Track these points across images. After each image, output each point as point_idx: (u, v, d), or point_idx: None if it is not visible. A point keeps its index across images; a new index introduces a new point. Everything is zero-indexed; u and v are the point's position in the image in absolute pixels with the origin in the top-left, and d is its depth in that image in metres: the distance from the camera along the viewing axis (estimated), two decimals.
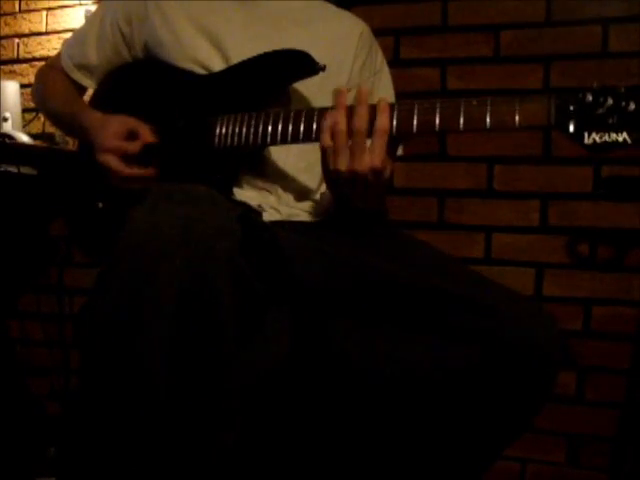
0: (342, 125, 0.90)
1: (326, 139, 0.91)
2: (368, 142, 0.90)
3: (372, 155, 0.89)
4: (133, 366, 0.71)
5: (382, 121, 0.89)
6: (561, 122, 0.85)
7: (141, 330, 0.71)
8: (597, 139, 0.83)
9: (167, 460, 0.72)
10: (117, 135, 1.06)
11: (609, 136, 0.82)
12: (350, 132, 0.89)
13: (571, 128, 0.84)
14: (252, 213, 1.02)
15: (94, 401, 0.75)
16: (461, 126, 0.88)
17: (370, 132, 0.89)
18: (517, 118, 0.86)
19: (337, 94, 0.92)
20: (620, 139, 0.82)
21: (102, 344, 0.74)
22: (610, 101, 0.82)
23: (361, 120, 0.89)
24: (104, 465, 0.74)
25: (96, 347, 0.75)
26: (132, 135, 1.06)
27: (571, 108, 0.84)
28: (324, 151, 0.92)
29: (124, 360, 0.72)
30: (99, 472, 0.75)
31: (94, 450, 0.75)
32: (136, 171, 1.06)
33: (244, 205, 1.04)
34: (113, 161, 1.05)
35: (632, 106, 0.81)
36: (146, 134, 1.06)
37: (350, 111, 0.90)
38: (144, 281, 0.70)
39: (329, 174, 0.93)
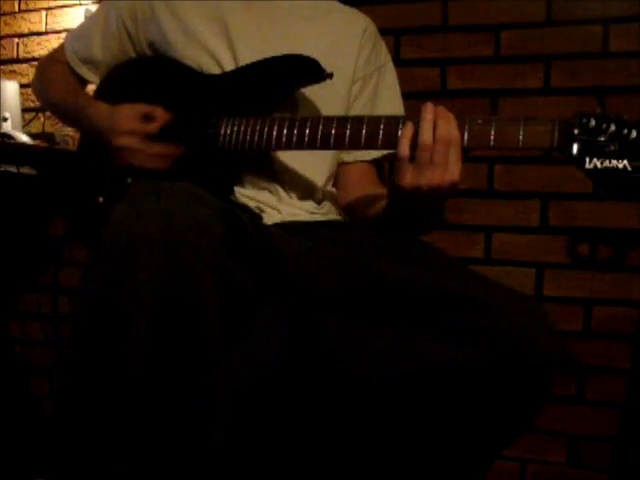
0: (429, 139, 0.88)
1: (404, 148, 0.89)
2: None
3: (450, 168, 0.88)
4: (115, 365, 0.71)
5: (454, 132, 0.88)
6: (563, 146, 0.86)
7: (121, 327, 0.70)
8: (598, 165, 0.84)
9: (152, 459, 0.72)
10: (133, 117, 1.05)
11: (610, 162, 0.84)
12: (433, 145, 0.87)
13: (573, 153, 0.86)
14: (248, 214, 1.01)
15: (79, 401, 0.75)
16: (466, 143, 0.90)
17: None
18: (521, 139, 0.87)
19: (425, 108, 0.90)
20: (620, 166, 0.83)
21: (85, 342, 0.74)
22: (612, 128, 0.84)
23: (445, 129, 0.87)
24: (91, 464, 0.74)
25: (79, 345, 0.74)
26: (147, 118, 1.05)
27: (574, 132, 0.86)
28: (401, 163, 0.90)
29: (106, 358, 0.72)
30: (91, 471, 0.75)
31: (81, 449, 0.75)
32: (162, 149, 1.04)
33: (242, 208, 1.04)
34: (134, 142, 1.04)
35: (634, 134, 0.83)
36: (162, 114, 1.05)
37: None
38: (123, 278, 0.70)
39: (405, 188, 0.89)
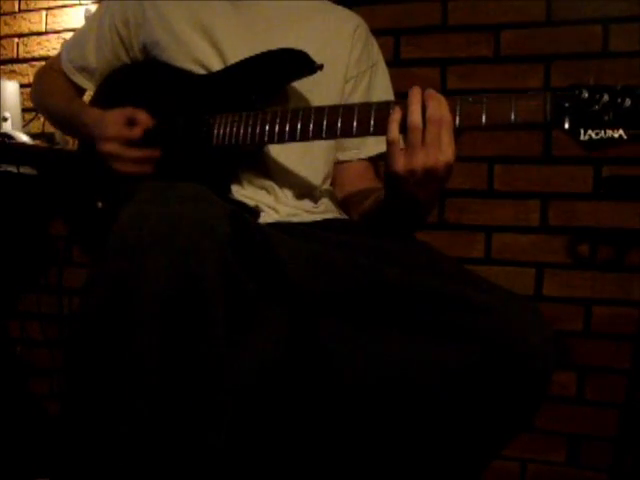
0: (418, 120, 0.87)
1: (394, 132, 0.88)
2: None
3: (443, 148, 0.86)
4: (122, 365, 0.71)
5: (444, 112, 0.87)
6: (557, 119, 0.85)
7: (128, 329, 0.71)
8: (593, 135, 0.83)
9: (158, 458, 0.72)
10: (117, 123, 1.06)
11: (605, 132, 0.82)
12: (424, 127, 0.86)
13: (567, 125, 0.84)
14: (246, 213, 1.02)
15: (87, 401, 0.75)
16: (457, 123, 0.88)
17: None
18: (513, 115, 0.86)
19: (412, 90, 0.89)
20: (616, 135, 0.82)
21: (90, 343, 0.74)
22: (606, 98, 0.82)
23: (434, 110, 0.87)
24: (98, 464, 0.74)
25: (85, 346, 0.75)
26: (131, 122, 1.07)
27: (567, 105, 0.84)
28: (391, 147, 0.89)
29: (113, 359, 0.72)
30: (93, 471, 0.75)
31: (88, 449, 0.75)
32: (140, 153, 1.06)
33: (240, 205, 1.04)
34: (115, 147, 1.05)
35: (628, 103, 0.81)
36: (145, 119, 1.07)
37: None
38: (129, 279, 0.70)
39: (399, 173, 0.88)
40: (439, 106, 0.87)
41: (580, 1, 1.64)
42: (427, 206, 0.96)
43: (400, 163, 0.88)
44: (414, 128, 0.87)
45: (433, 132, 0.86)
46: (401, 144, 0.89)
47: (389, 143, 0.89)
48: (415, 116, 0.87)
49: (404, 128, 0.88)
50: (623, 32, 1.61)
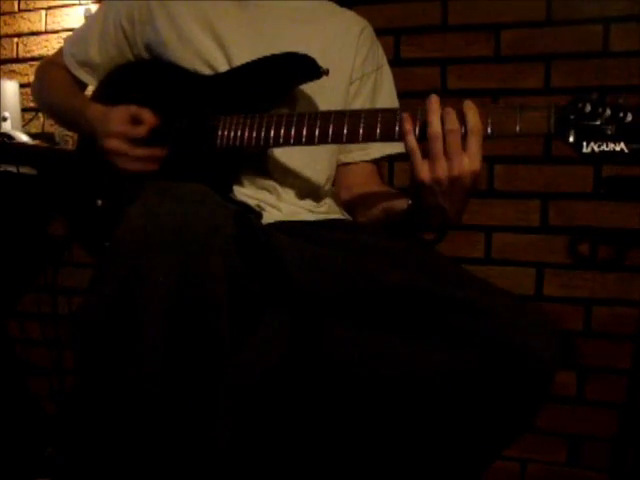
0: (438, 128, 0.87)
1: (412, 142, 0.89)
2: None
3: (471, 158, 0.87)
4: (126, 365, 0.72)
5: (475, 119, 0.87)
6: (560, 131, 0.87)
7: (133, 329, 0.71)
8: (595, 148, 0.85)
9: (160, 459, 0.73)
10: (121, 120, 1.05)
11: (607, 146, 0.85)
12: (444, 135, 0.87)
13: (570, 137, 0.86)
14: (250, 213, 1.02)
15: (89, 401, 0.75)
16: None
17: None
18: (518, 126, 0.88)
19: (429, 98, 0.90)
20: (617, 149, 0.84)
21: (96, 343, 0.74)
22: (608, 112, 0.85)
23: (454, 119, 0.87)
24: (99, 464, 0.74)
25: (90, 346, 0.75)
26: (136, 120, 1.06)
27: (571, 117, 0.87)
28: (413, 156, 0.89)
29: (118, 359, 0.72)
30: (94, 471, 0.75)
31: (90, 449, 0.75)
32: (147, 151, 1.05)
33: (243, 205, 1.04)
34: (120, 144, 1.04)
35: (629, 117, 0.84)
36: (150, 118, 1.06)
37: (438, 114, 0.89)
38: (136, 279, 0.71)
39: (425, 185, 0.89)
40: (474, 115, 0.88)
41: (580, 1, 1.64)
42: (454, 215, 0.96)
43: (425, 172, 0.88)
44: (434, 138, 0.87)
45: (453, 142, 0.87)
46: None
47: (409, 152, 0.90)
48: (434, 126, 0.88)
49: (422, 136, 0.89)
50: (623, 32, 1.61)
